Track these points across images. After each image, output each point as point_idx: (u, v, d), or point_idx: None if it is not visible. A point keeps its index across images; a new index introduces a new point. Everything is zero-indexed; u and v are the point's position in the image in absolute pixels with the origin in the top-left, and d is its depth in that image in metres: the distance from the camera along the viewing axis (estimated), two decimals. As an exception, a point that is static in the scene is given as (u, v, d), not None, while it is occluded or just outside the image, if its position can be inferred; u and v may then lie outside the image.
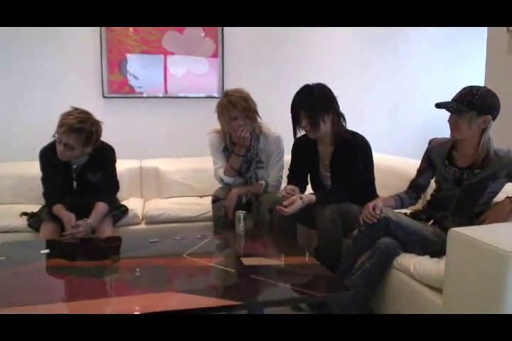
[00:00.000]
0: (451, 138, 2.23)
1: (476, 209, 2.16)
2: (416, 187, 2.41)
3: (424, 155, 2.39)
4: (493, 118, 2.08)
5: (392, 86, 4.48)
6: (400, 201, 2.37)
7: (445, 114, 2.16)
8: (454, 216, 2.19)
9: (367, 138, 2.64)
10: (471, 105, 2.05)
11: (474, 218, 2.14)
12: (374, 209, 2.18)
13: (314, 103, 2.51)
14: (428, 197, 2.43)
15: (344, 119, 2.63)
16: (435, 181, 2.37)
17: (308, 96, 2.53)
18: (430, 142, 2.39)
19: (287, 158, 2.94)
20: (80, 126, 2.56)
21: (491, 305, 1.58)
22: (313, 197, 2.53)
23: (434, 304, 1.88)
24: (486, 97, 2.06)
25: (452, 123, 2.14)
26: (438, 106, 2.13)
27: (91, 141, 2.64)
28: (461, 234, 1.69)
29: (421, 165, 2.41)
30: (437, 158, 2.30)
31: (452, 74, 4.53)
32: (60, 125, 2.56)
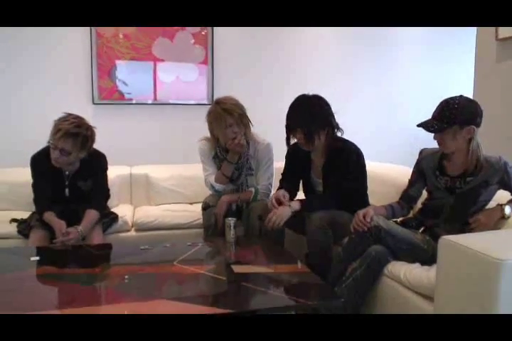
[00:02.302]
0: (440, 149, 2.25)
1: (468, 217, 2.16)
2: (408, 198, 2.42)
3: (415, 166, 2.40)
4: (478, 126, 2.09)
5: (380, 91, 4.51)
6: (392, 211, 2.37)
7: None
8: (446, 224, 2.20)
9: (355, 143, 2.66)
10: (451, 121, 2.05)
11: (465, 226, 2.14)
12: (364, 217, 2.18)
13: (311, 120, 2.50)
14: (419, 205, 2.43)
15: (340, 130, 2.62)
16: (427, 190, 2.38)
17: (306, 113, 2.51)
18: (421, 153, 2.40)
19: (277, 165, 2.95)
20: (76, 131, 2.56)
21: (482, 313, 1.58)
22: (298, 206, 2.53)
23: (425, 312, 1.88)
24: (464, 109, 2.05)
25: (438, 140, 2.15)
26: (420, 126, 2.14)
27: (86, 146, 2.64)
28: (452, 241, 1.70)
29: (412, 175, 2.42)
30: (428, 168, 2.31)
31: (441, 79, 4.57)
32: (56, 131, 2.54)
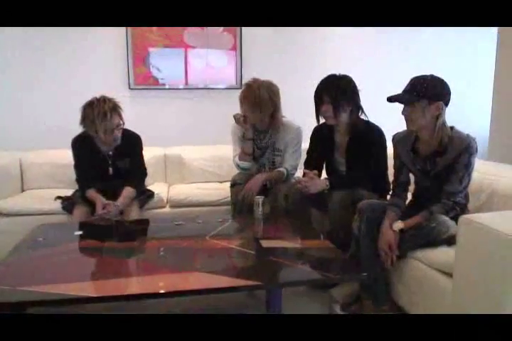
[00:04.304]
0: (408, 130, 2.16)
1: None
2: (401, 185, 2.28)
3: (393, 152, 2.30)
4: (446, 104, 2.02)
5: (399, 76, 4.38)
6: (398, 209, 2.19)
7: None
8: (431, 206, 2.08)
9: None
10: (420, 94, 1.98)
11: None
12: (390, 247, 2.07)
13: (339, 91, 2.48)
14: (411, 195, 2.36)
15: (363, 112, 2.58)
16: (412, 173, 2.27)
17: (334, 84, 2.50)
18: (393, 138, 2.29)
19: (305, 146, 2.90)
20: (112, 105, 2.61)
21: (499, 290, 1.55)
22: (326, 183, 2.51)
23: (444, 288, 1.85)
24: (434, 85, 1.99)
25: (406, 114, 2.06)
26: (390, 99, 2.05)
27: (121, 111, 2.68)
28: (472, 220, 1.66)
29: (395, 162, 2.30)
30: (404, 151, 2.22)
31: (462, 69, 4.39)
32: (103, 115, 2.55)
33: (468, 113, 4.16)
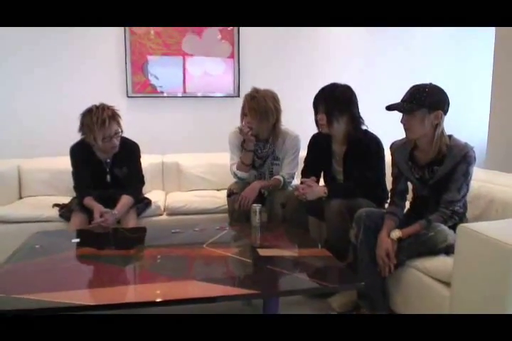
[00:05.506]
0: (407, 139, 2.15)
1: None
2: (399, 193, 2.26)
3: (391, 160, 2.28)
4: (445, 113, 2.02)
5: (398, 83, 4.38)
6: (397, 218, 2.18)
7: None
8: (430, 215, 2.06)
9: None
10: (420, 102, 1.97)
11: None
12: (388, 256, 2.05)
13: (333, 101, 2.47)
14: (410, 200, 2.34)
15: (361, 122, 2.56)
16: (410, 182, 2.26)
17: (330, 94, 2.50)
18: (391, 146, 2.29)
19: (302, 155, 2.90)
20: (111, 113, 2.59)
21: (497, 299, 1.55)
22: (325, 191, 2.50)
23: (442, 297, 1.84)
24: (433, 93, 1.99)
25: (405, 123, 2.06)
26: (389, 108, 2.04)
27: (120, 119, 2.67)
28: (470, 229, 1.65)
29: (392, 170, 2.29)
30: (401, 160, 2.21)
31: (459, 72, 4.40)
32: (101, 122, 2.54)
33: (467, 119, 4.19)
